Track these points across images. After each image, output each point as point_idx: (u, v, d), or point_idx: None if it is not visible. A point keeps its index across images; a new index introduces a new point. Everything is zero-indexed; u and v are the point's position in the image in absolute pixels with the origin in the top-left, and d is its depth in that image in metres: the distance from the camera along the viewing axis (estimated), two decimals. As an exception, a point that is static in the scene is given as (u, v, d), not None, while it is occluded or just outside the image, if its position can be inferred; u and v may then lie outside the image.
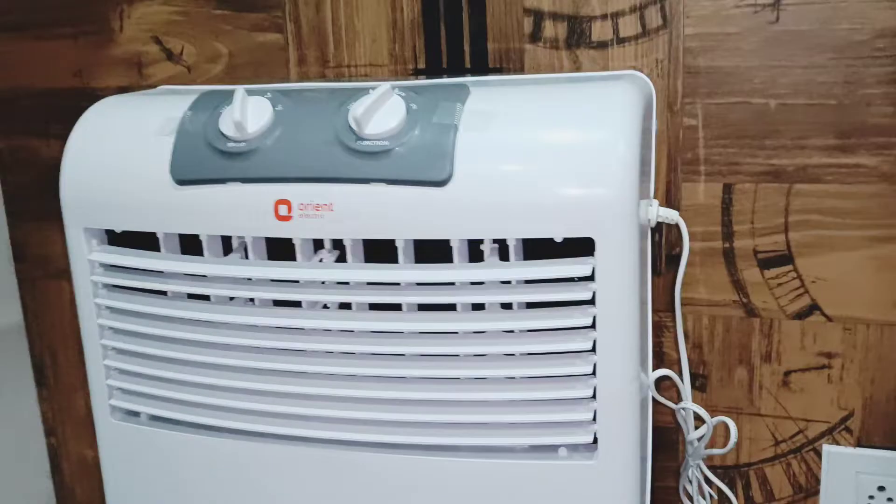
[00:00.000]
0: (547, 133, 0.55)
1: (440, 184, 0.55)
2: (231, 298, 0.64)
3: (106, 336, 0.66)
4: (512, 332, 0.58)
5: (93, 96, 0.99)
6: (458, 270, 0.57)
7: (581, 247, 0.55)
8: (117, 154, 0.63)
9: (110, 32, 0.97)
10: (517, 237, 0.55)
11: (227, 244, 0.64)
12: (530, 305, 0.58)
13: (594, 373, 0.57)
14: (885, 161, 0.76)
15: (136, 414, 0.68)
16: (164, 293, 0.65)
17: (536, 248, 0.57)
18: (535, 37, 0.83)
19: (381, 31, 0.87)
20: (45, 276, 1.07)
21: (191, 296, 0.64)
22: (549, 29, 0.82)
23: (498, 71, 0.85)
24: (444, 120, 0.56)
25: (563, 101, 0.57)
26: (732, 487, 0.85)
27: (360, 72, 0.89)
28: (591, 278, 0.55)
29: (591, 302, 0.56)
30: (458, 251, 0.57)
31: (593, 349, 0.57)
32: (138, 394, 0.67)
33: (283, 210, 0.58)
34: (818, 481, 0.85)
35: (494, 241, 0.58)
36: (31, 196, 1.06)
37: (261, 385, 0.63)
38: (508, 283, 0.57)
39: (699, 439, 0.68)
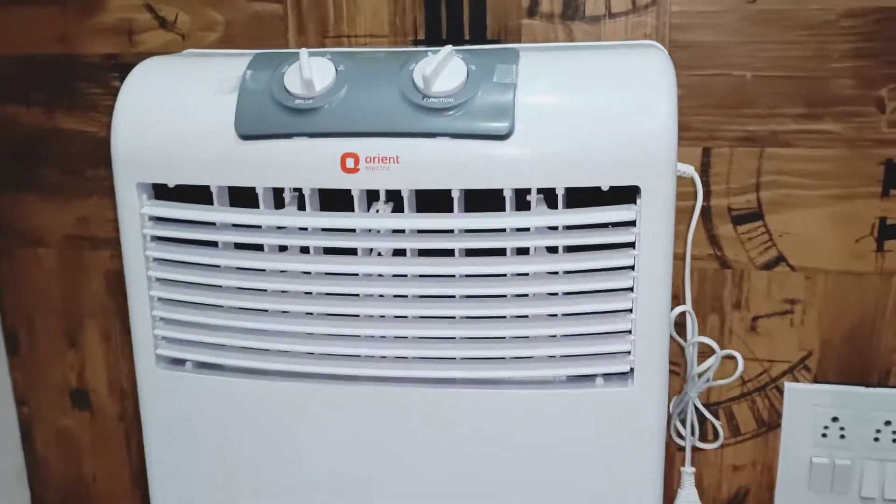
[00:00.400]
0: (597, 92, 0.61)
1: (502, 137, 0.61)
2: (282, 250, 0.68)
3: (154, 287, 0.69)
4: (556, 273, 0.64)
5: (78, 63, 1.00)
6: (512, 218, 0.63)
7: (621, 196, 0.62)
8: (174, 111, 0.65)
9: (98, 0, 0.97)
10: (572, 186, 0.61)
11: (278, 199, 0.67)
12: (569, 250, 0.65)
13: (632, 309, 0.64)
14: (848, 127, 0.86)
15: (181, 362, 0.71)
16: (214, 244, 0.68)
17: (576, 198, 0.63)
18: (532, 11, 0.89)
19: (382, 4, 0.92)
20: (22, 244, 1.07)
21: (238, 249, 0.68)
22: (545, 4, 0.89)
23: (496, 42, 0.91)
24: (504, 80, 0.61)
25: (608, 64, 0.63)
26: (702, 426, 0.94)
27: (359, 42, 0.93)
28: (633, 223, 0.62)
29: (633, 245, 0.63)
30: (510, 200, 0.63)
31: (632, 288, 0.64)
32: (186, 342, 0.70)
33: (349, 163, 0.62)
34: (780, 416, 0.95)
35: (539, 191, 0.64)
36: (8, 165, 1.05)
37: (314, 328, 0.67)
38: (555, 229, 0.64)
39: (705, 372, 0.76)
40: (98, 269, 1.06)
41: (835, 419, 0.94)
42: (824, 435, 0.94)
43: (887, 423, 0.92)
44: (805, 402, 0.94)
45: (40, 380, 1.12)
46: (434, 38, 0.92)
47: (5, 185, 1.06)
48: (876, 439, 0.93)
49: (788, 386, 0.94)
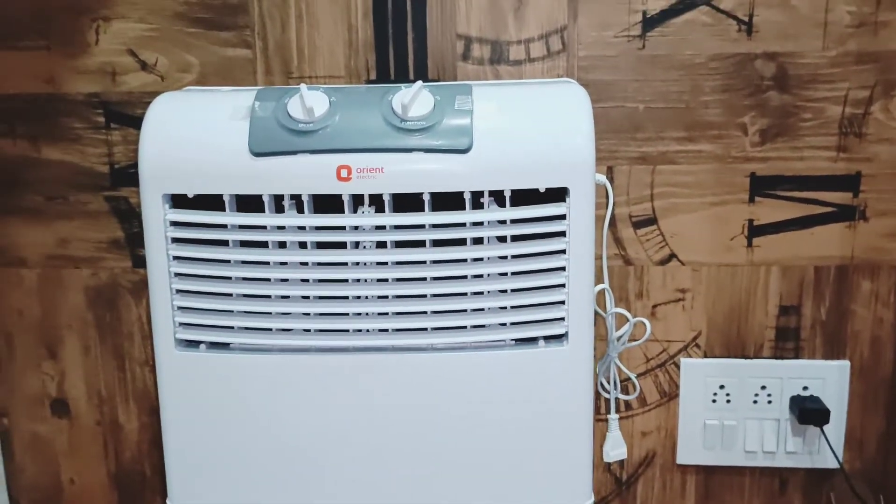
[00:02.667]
0: (534, 116, 0.80)
1: (464, 152, 0.79)
2: (281, 246, 0.83)
3: (174, 281, 0.83)
4: (505, 257, 0.82)
5: (64, 101, 1.13)
6: (470, 215, 0.80)
7: (553, 196, 0.81)
8: (194, 134, 0.81)
9: (85, 45, 1.11)
10: (517, 188, 0.79)
11: (278, 206, 0.83)
12: (515, 239, 0.83)
13: (565, 285, 0.82)
14: (719, 147, 1.07)
15: (196, 344, 0.85)
16: (225, 243, 0.83)
17: (519, 198, 0.82)
18: (466, 56, 1.08)
19: (338, 49, 1.09)
20: (4, 264, 1.17)
21: (244, 246, 0.83)
22: (476, 50, 1.08)
23: (436, 82, 1.09)
24: (463, 107, 0.80)
25: (540, 95, 0.82)
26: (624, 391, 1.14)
27: (320, 81, 1.10)
28: (564, 217, 0.81)
29: (564, 234, 0.81)
30: (469, 201, 0.81)
31: (565, 268, 0.82)
32: (201, 326, 0.84)
33: (343, 173, 0.79)
34: (678, 387, 1.15)
35: (491, 193, 0.82)
36: (-3, 190, 1.16)
37: (310, 309, 0.82)
38: (503, 222, 0.82)
39: (622, 336, 0.95)
40: (78, 287, 1.18)
41: (722, 387, 1.14)
42: (714, 401, 1.14)
43: (763, 387, 1.13)
44: (697, 374, 1.14)
45: (20, 391, 1.21)
46: (383, 79, 1.10)
47: (-9, 212, 1.17)
48: (755, 402, 1.14)
49: (684, 361, 1.14)
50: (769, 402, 1.13)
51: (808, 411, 1.10)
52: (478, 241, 0.82)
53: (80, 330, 1.19)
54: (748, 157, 1.07)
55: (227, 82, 1.11)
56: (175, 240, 0.83)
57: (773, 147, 1.07)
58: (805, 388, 1.12)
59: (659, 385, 1.15)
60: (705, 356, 1.13)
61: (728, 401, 1.14)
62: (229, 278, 0.83)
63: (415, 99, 0.78)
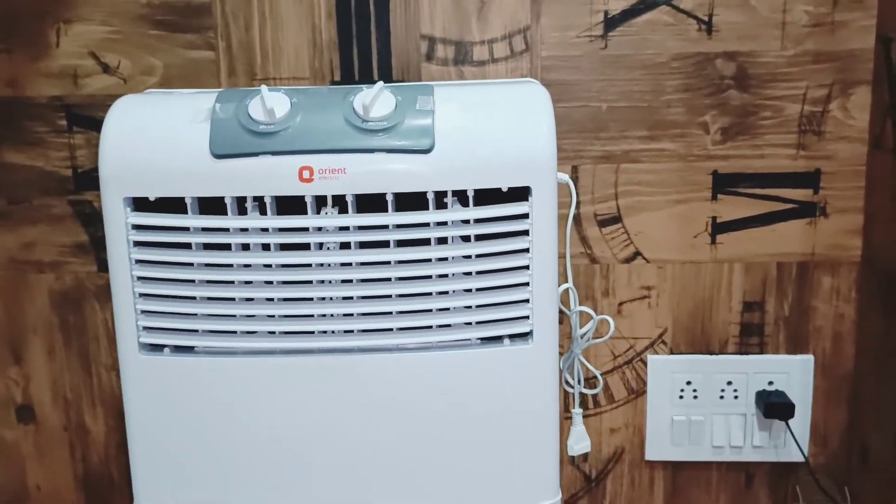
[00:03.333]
0: (495, 116, 0.81)
1: (426, 152, 0.79)
2: (246, 248, 0.83)
3: (137, 285, 0.83)
4: (469, 257, 0.83)
5: (27, 104, 1.12)
6: (434, 214, 0.81)
7: (516, 195, 0.81)
8: (155, 137, 0.80)
9: (46, 48, 1.10)
10: (479, 188, 0.80)
11: (241, 209, 0.83)
12: (479, 238, 0.83)
13: (529, 283, 0.83)
14: (680, 146, 1.09)
15: (160, 348, 0.85)
16: (188, 246, 0.83)
17: (482, 198, 0.82)
18: (430, 57, 1.08)
19: (302, 50, 1.09)
20: (-32, 269, 1.16)
21: (207, 249, 0.83)
22: (440, 51, 1.08)
23: (400, 82, 1.09)
24: (424, 107, 0.80)
25: (503, 94, 0.83)
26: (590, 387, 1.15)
27: (284, 83, 1.10)
28: (526, 216, 0.82)
29: (527, 233, 0.82)
30: (432, 201, 0.81)
31: (528, 266, 0.83)
32: (165, 330, 0.84)
33: (306, 174, 0.79)
34: (645, 383, 1.16)
35: (454, 193, 0.82)
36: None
37: (275, 311, 0.82)
38: (467, 222, 0.82)
39: (586, 333, 0.96)
40: (42, 290, 1.17)
41: (689, 383, 1.15)
42: (681, 397, 1.15)
43: (729, 382, 1.14)
44: (664, 371, 1.15)
45: (-17, 398, 1.20)
46: (348, 79, 1.10)
47: (-47, 217, 1.15)
48: (721, 397, 1.15)
49: (650, 358, 1.15)
50: (735, 397, 1.14)
51: (774, 406, 1.11)
52: (442, 240, 0.83)
53: (45, 334, 1.18)
54: (710, 156, 1.08)
55: (190, 84, 1.11)
56: (137, 243, 0.83)
57: (734, 145, 1.08)
58: (770, 383, 1.14)
59: (626, 382, 1.16)
60: (671, 353, 1.15)
61: (695, 396, 1.15)
62: (192, 281, 0.83)
63: (376, 99, 0.78)
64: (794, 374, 1.13)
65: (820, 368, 1.13)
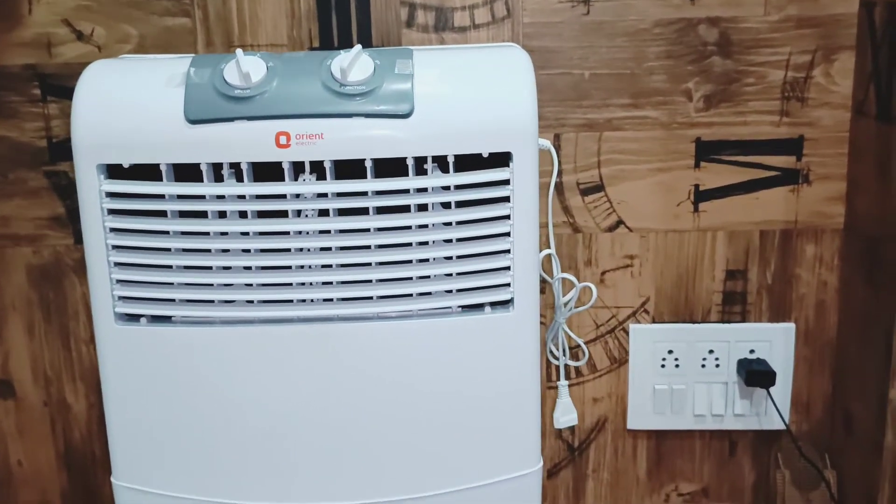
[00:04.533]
0: (475, 80, 0.80)
1: (405, 116, 0.78)
2: (222, 216, 0.82)
3: (112, 254, 0.82)
4: (450, 224, 0.82)
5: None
6: (414, 181, 0.80)
7: (496, 161, 0.81)
8: (128, 102, 0.79)
9: (19, 16, 1.08)
10: (459, 153, 0.79)
11: (217, 176, 0.82)
12: (459, 205, 0.82)
13: (510, 250, 0.82)
14: (663, 113, 1.08)
15: (136, 318, 0.84)
16: (163, 214, 0.81)
17: (462, 164, 0.81)
18: (410, 23, 1.07)
19: (280, 18, 1.07)
20: (-57, 243, 1.14)
21: (183, 217, 0.81)
22: (420, 17, 1.07)
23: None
24: (404, 71, 0.79)
25: (484, 58, 0.82)
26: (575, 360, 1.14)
27: (262, 51, 1.08)
28: (507, 182, 0.81)
29: (508, 199, 0.81)
30: (412, 167, 0.80)
31: (509, 233, 0.82)
32: (141, 299, 0.83)
33: (282, 140, 0.78)
34: (627, 353, 1.15)
35: (434, 159, 0.81)
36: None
37: (253, 279, 0.81)
38: (447, 188, 0.81)
39: (569, 301, 0.95)
40: (19, 265, 1.15)
41: (670, 351, 1.15)
42: (663, 366, 1.15)
43: (710, 351, 1.14)
44: (646, 340, 1.15)
45: (-39, 374, 1.19)
46: (327, 47, 1.08)
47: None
48: (703, 366, 1.15)
49: (633, 327, 1.15)
50: (717, 365, 1.15)
51: (755, 374, 1.11)
52: (422, 207, 0.82)
53: (23, 310, 1.17)
54: (693, 123, 1.08)
55: (166, 52, 1.09)
56: (111, 211, 0.81)
57: (717, 112, 1.07)
58: (752, 352, 1.14)
59: (609, 351, 1.15)
60: (654, 322, 1.14)
61: (677, 365, 1.15)
62: (169, 250, 0.82)
63: (354, 63, 0.77)
64: (775, 342, 1.13)
65: (802, 336, 1.13)
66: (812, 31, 1.04)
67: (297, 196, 0.80)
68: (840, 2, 1.03)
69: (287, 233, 0.81)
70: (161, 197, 0.81)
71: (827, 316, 1.13)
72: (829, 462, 1.15)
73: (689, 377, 1.15)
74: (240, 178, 0.81)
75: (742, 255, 1.11)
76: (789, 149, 1.08)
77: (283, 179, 0.80)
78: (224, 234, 0.81)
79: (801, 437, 1.16)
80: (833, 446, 1.16)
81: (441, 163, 0.81)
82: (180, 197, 0.81)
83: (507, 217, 0.82)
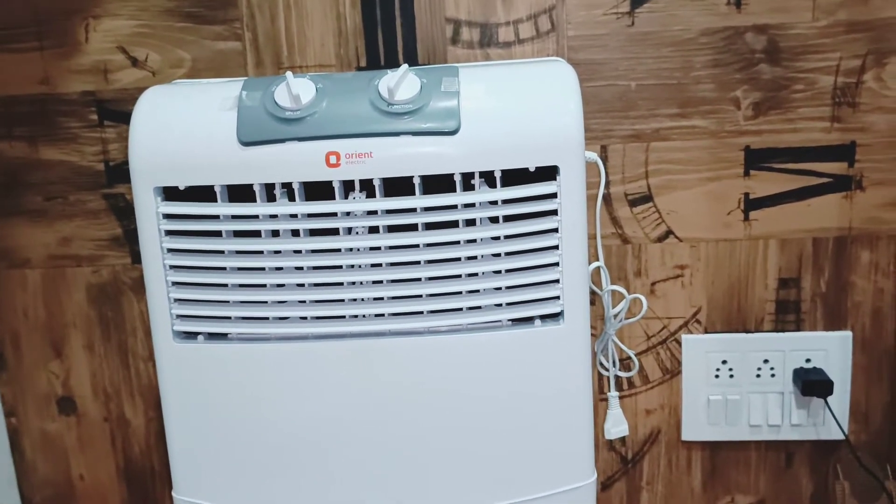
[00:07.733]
0: (521, 95, 0.80)
1: (452, 133, 0.79)
2: (275, 235, 0.84)
3: (169, 273, 0.84)
4: (498, 238, 0.82)
5: (59, 101, 1.13)
6: (461, 196, 0.80)
7: (544, 175, 0.81)
8: (183, 127, 0.81)
9: (76, 44, 1.12)
10: (506, 168, 0.79)
11: (269, 195, 0.83)
12: (507, 219, 0.83)
13: (559, 263, 0.83)
14: (711, 122, 1.07)
15: (194, 336, 0.86)
16: (218, 234, 0.83)
17: (509, 179, 0.82)
18: (455, 40, 1.08)
19: (328, 38, 1.09)
20: (8, 266, 1.18)
21: (238, 236, 0.83)
22: (465, 33, 1.08)
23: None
24: (450, 89, 0.80)
25: (529, 73, 0.82)
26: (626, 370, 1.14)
27: (310, 71, 1.10)
28: (555, 196, 0.81)
29: (556, 213, 0.81)
30: (459, 183, 0.81)
31: (558, 246, 0.82)
32: (198, 317, 0.85)
33: (332, 159, 0.79)
34: (680, 363, 1.15)
35: (481, 174, 0.82)
36: (-4, 191, 1.17)
37: (306, 296, 0.83)
38: (495, 203, 0.82)
39: (619, 313, 0.95)
40: (80, 285, 1.19)
41: (724, 362, 1.14)
42: (717, 376, 1.14)
43: (765, 360, 1.13)
44: (699, 350, 1.14)
45: (27, 391, 1.23)
46: (374, 66, 1.10)
47: (-9, 214, 1.18)
48: (758, 376, 1.14)
49: (685, 338, 1.14)
50: (772, 375, 1.13)
51: (812, 383, 1.10)
52: (470, 222, 0.83)
53: (83, 328, 1.20)
54: (742, 131, 1.07)
55: (218, 76, 1.12)
56: (168, 232, 0.83)
57: (766, 120, 1.06)
58: (808, 361, 1.12)
59: (661, 362, 1.15)
60: (706, 332, 1.13)
61: (731, 376, 1.14)
62: (224, 269, 0.84)
63: (401, 82, 0.78)
64: (832, 350, 1.11)
65: (859, 344, 1.11)
66: (862, 35, 1.03)
67: (348, 214, 0.82)
68: (891, 5, 1.02)
69: (338, 250, 0.83)
70: (216, 217, 0.83)
71: (884, 323, 1.11)
72: (891, 473, 1.12)
73: (743, 387, 1.14)
74: (292, 198, 0.82)
75: (795, 263, 1.10)
76: (841, 155, 1.06)
77: (333, 198, 0.81)
78: (277, 252, 0.83)
79: (861, 448, 1.14)
80: (893, 456, 1.13)
81: (488, 177, 0.82)
82: (234, 217, 0.83)
83: (555, 230, 0.82)
